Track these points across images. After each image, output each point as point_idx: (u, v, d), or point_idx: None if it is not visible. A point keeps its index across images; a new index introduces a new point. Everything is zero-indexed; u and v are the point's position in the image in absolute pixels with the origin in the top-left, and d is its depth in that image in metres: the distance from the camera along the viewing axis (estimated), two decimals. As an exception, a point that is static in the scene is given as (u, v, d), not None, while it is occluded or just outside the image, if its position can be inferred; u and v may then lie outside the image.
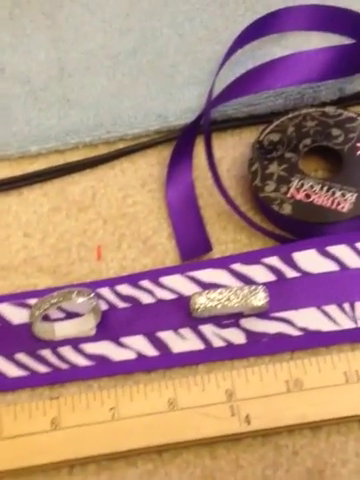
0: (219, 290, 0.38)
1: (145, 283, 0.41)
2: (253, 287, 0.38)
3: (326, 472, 0.36)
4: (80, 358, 0.39)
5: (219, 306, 0.38)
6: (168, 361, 0.39)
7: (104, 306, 0.40)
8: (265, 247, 0.42)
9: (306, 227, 0.41)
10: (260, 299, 0.37)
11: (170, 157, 0.45)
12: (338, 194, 0.41)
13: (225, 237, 0.43)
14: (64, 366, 0.39)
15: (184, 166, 0.45)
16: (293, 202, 0.41)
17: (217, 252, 0.43)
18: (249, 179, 0.43)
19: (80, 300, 0.38)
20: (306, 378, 0.36)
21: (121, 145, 0.47)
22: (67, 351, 0.39)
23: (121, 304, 0.40)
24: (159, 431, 0.36)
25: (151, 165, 0.47)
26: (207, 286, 0.40)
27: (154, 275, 0.41)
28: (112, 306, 0.40)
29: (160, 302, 0.40)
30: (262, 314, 0.39)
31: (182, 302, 0.40)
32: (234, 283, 0.40)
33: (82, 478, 0.36)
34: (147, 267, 0.42)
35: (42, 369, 0.39)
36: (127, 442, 0.36)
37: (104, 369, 0.39)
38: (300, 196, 0.42)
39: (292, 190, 0.42)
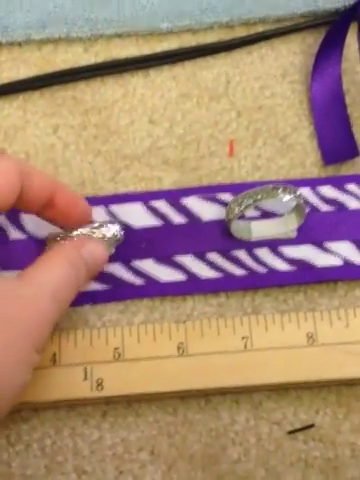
0: None
1: (352, 187, 0.37)
2: None
3: None
4: (279, 261, 0.36)
5: None
6: None
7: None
8: None
9: None
10: None
11: (320, 45, 0.40)
12: None
13: (374, 141, 0.39)
14: (261, 269, 0.36)
15: (334, 56, 0.39)
16: None
17: (364, 157, 0.38)
18: None
19: (287, 198, 0.34)
20: None
21: (261, 28, 0.42)
22: (264, 253, 0.36)
23: (324, 207, 0.37)
24: (296, 367, 0.33)
25: (293, 53, 0.41)
26: None
27: None
28: (314, 208, 0.37)
29: None
30: None
31: None
32: None
33: (211, 408, 0.34)
34: (284, 169, 0.38)
35: (237, 271, 0.36)
36: (261, 376, 0.33)
37: (306, 275, 0.36)
38: None
39: None
